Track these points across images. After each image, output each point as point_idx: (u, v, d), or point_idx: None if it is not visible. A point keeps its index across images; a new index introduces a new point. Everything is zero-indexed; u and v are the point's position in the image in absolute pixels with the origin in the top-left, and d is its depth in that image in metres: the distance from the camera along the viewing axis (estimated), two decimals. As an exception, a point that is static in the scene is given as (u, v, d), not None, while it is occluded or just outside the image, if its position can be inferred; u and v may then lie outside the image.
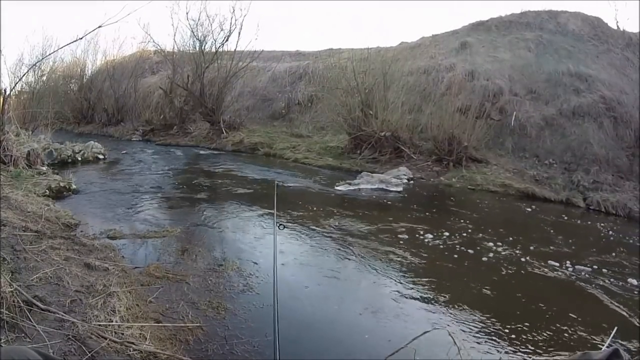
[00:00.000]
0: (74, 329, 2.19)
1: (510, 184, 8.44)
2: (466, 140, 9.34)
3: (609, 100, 9.96)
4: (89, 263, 3.20)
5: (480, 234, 5.22)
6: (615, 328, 2.59)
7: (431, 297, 3.43)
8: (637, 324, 3.21)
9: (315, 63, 15.99)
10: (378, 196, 7.24)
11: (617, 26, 13.85)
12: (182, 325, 2.59)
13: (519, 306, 3.42)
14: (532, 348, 2.75)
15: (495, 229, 5.53)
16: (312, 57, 17.02)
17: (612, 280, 4.06)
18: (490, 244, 4.84)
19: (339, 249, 4.38)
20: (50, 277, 2.77)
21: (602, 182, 8.33)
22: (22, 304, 2.23)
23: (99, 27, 4.80)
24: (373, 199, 7.05)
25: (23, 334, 2.06)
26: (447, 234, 5.13)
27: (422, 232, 5.10)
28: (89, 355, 2.02)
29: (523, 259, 4.42)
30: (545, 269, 4.21)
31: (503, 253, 4.57)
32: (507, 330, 2.94)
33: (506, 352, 2.69)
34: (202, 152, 12.47)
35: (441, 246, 4.70)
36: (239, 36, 14.29)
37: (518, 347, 2.75)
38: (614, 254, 4.97)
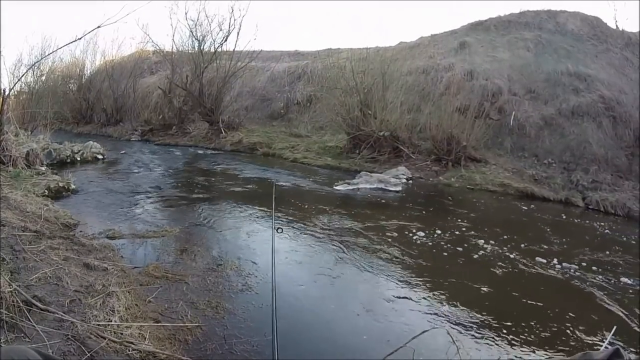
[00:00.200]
0: (73, 329, 2.19)
1: (509, 183, 8.45)
2: (465, 140, 9.35)
3: (608, 99, 9.97)
4: (88, 263, 3.20)
5: (478, 233, 5.23)
6: (615, 327, 2.60)
7: (428, 296, 3.44)
8: (627, 321, 3.21)
9: (314, 63, 16.00)
10: (377, 196, 7.25)
11: (616, 26, 13.88)
12: (181, 324, 2.59)
13: (515, 304, 3.43)
14: (530, 346, 2.76)
15: (494, 228, 5.54)
16: (311, 57, 17.02)
17: (604, 278, 4.08)
18: (485, 242, 4.85)
19: (337, 249, 4.39)
20: (50, 277, 2.77)
21: (601, 182, 8.35)
22: (21, 304, 2.23)
23: (98, 27, 4.80)
24: (372, 198, 7.05)
25: (22, 334, 2.06)
26: (445, 233, 5.15)
27: (420, 232, 5.11)
28: (88, 355, 2.03)
29: (517, 258, 4.43)
30: (538, 268, 4.22)
31: (499, 252, 4.58)
32: (504, 329, 2.95)
33: (506, 352, 2.70)
34: (200, 152, 12.47)
35: (438, 245, 4.71)
36: (237, 36, 14.38)
37: (517, 346, 2.76)
38: (607, 252, 4.99)
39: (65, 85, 18.24)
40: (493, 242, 4.87)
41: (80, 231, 4.30)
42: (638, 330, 3.11)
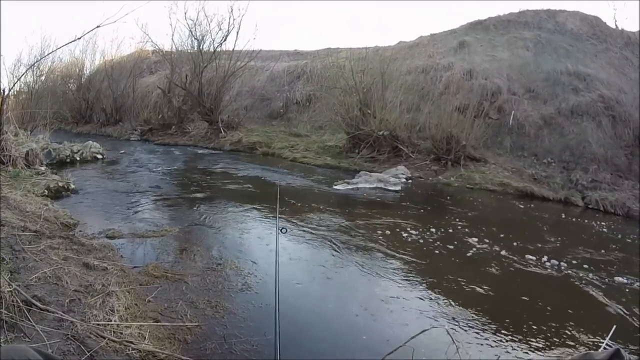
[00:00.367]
0: (73, 329, 2.20)
1: (509, 182, 8.46)
2: (464, 139, 9.36)
3: (608, 99, 9.98)
4: (87, 263, 3.20)
5: (476, 232, 5.24)
6: (614, 327, 2.60)
7: (427, 295, 3.44)
8: (612, 317, 3.22)
9: (313, 62, 16.00)
10: (376, 195, 7.25)
11: (616, 25, 13.90)
12: (181, 324, 2.59)
13: (512, 303, 3.44)
14: (530, 345, 2.76)
15: (492, 228, 5.55)
16: (310, 57, 17.02)
17: (595, 276, 4.10)
18: (483, 242, 4.86)
19: (336, 248, 4.39)
20: (49, 276, 2.77)
21: (601, 181, 8.36)
22: (21, 304, 2.23)
23: (98, 27, 4.79)
24: (371, 198, 7.06)
25: (22, 334, 2.06)
26: (444, 233, 5.16)
27: (418, 231, 5.12)
28: (88, 354, 2.03)
29: (512, 257, 4.44)
30: (531, 266, 4.23)
31: (496, 251, 4.58)
32: (503, 328, 2.95)
33: (506, 351, 2.70)
34: (200, 151, 12.47)
35: (437, 245, 4.71)
36: (237, 36, 14.30)
37: (517, 345, 2.76)
38: (603, 250, 5.02)
39: (64, 85, 18.24)
40: (492, 242, 4.88)
41: (80, 231, 4.30)
42: (637, 326, 3.12)
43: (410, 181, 8.71)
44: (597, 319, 3.23)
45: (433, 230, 5.22)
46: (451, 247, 4.67)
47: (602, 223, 6.49)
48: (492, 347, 2.73)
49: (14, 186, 5.35)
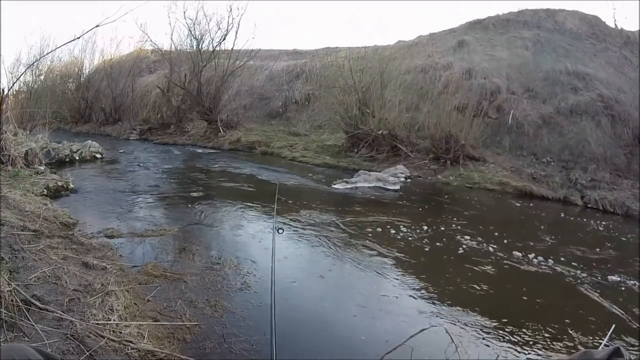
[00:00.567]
0: (72, 328, 2.20)
1: (508, 182, 8.47)
2: (463, 138, 9.36)
3: (607, 98, 9.99)
4: (87, 262, 3.20)
5: (473, 232, 5.25)
6: (613, 326, 2.61)
7: (425, 293, 3.45)
8: (607, 315, 3.23)
9: (312, 62, 15.98)
10: (375, 195, 7.25)
11: (615, 25, 13.90)
12: (180, 323, 2.60)
13: (511, 302, 3.46)
14: (529, 344, 2.77)
15: (489, 227, 5.56)
16: (309, 56, 17.01)
17: (587, 274, 4.12)
18: (482, 242, 4.87)
19: (334, 247, 4.39)
20: (49, 276, 2.77)
21: (600, 181, 8.37)
22: (20, 303, 2.24)
23: (97, 26, 4.79)
24: (370, 197, 7.06)
25: (22, 333, 2.06)
26: (442, 232, 5.17)
27: (417, 231, 5.13)
28: (87, 354, 2.03)
29: (508, 256, 4.45)
30: (530, 265, 4.24)
31: (493, 250, 4.59)
32: (502, 327, 2.96)
33: (505, 350, 2.70)
34: (199, 150, 12.47)
35: (435, 244, 4.72)
36: (236, 35, 14.25)
37: (515, 344, 2.77)
38: (598, 249, 5.05)
39: (63, 84, 18.22)
40: (490, 241, 4.89)
41: (79, 230, 4.30)
42: (634, 325, 3.12)
43: (409, 180, 8.71)
44: (595, 318, 3.24)
45: (433, 229, 5.24)
46: (450, 246, 4.68)
47: (601, 222, 6.50)
48: (491, 346, 2.74)
49: (13, 186, 5.35)
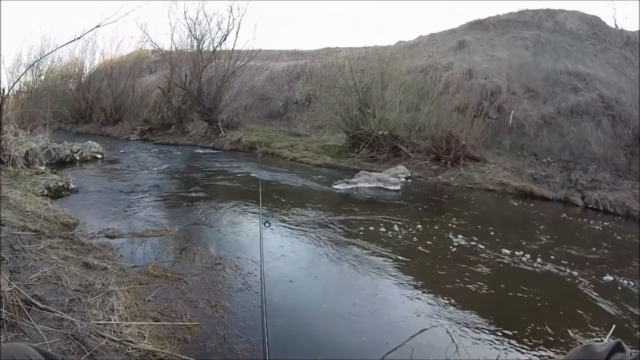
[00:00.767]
0: (73, 328, 2.20)
1: (508, 182, 8.46)
2: (464, 139, 9.36)
3: (607, 99, 9.99)
4: (87, 262, 3.21)
5: (472, 231, 5.25)
6: (613, 326, 2.61)
7: (424, 293, 3.44)
8: (612, 315, 3.23)
9: (313, 62, 16.00)
10: (376, 195, 7.25)
11: (615, 25, 13.89)
12: (181, 323, 2.60)
13: (509, 301, 3.45)
14: (529, 343, 2.77)
15: (488, 227, 5.55)
16: (309, 56, 17.02)
17: (581, 274, 4.12)
18: (481, 242, 4.87)
19: (334, 247, 4.39)
20: (49, 276, 2.78)
21: (600, 181, 8.36)
22: (21, 303, 2.23)
23: (97, 26, 4.77)
24: (371, 198, 7.06)
25: (22, 333, 2.06)
26: (442, 232, 5.16)
27: (416, 230, 5.13)
28: (88, 354, 2.03)
29: (504, 255, 4.45)
30: (528, 265, 4.25)
31: (491, 250, 4.59)
32: (501, 326, 2.96)
33: (505, 350, 2.70)
34: (200, 151, 12.47)
35: (434, 244, 4.72)
36: (236, 35, 14.26)
37: (516, 344, 2.76)
38: (594, 248, 5.05)
39: (64, 84, 18.20)
40: (489, 241, 4.90)
41: (80, 230, 4.30)
42: (633, 325, 3.12)
43: (409, 181, 8.71)
44: (595, 318, 3.23)
45: (433, 229, 5.24)
46: (450, 246, 4.68)
47: (600, 222, 6.50)
48: (491, 346, 2.74)
49: (13, 186, 5.35)
